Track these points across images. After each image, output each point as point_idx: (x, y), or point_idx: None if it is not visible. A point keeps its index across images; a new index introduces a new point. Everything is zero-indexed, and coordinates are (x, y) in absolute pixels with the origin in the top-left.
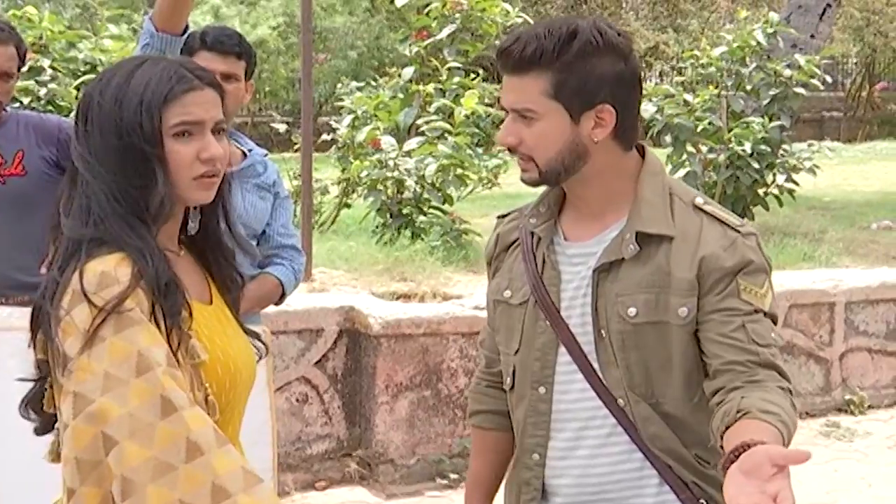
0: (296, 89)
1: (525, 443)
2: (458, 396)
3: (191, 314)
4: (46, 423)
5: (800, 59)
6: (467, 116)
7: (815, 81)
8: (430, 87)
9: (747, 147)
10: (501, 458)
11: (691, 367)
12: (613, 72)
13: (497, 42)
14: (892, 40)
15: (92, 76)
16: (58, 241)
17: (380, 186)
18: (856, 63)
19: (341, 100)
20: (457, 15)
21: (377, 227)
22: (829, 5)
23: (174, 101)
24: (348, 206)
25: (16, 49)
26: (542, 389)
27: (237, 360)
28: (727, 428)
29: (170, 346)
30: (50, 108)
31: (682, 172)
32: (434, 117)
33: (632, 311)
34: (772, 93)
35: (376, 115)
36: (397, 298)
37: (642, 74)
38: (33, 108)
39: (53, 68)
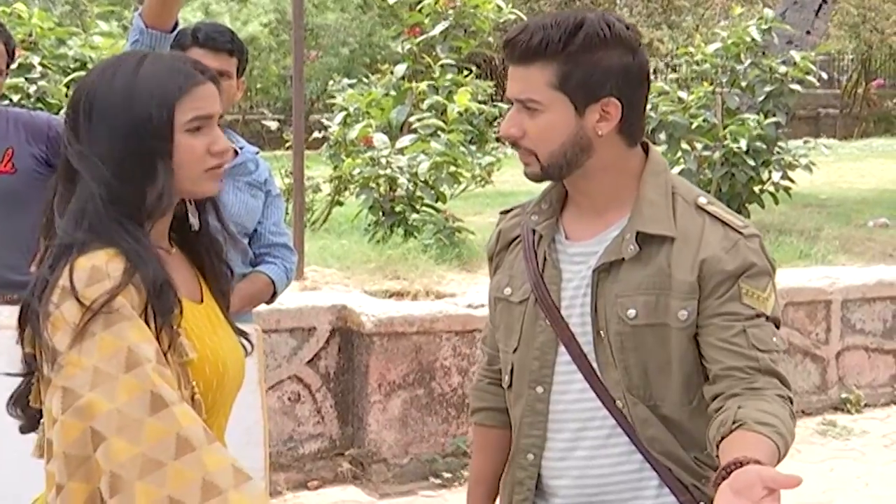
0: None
1: (521, 442)
2: (451, 395)
3: (181, 313)
4: (32, 420)
5: (795, 56)
6: (460, 114)
7: (810, 78)
8: (423, 85)
9: (742, 144)
10: (503, 455)
11: (690, 370)
12: (621, 65)
13: (490, 39)
14: (889, 37)
15: (82, 73)
16: (49, 239)
17: (372, 184)
18: (852, 60)
19: (333, 97)
20: (450, 11)
21: (370, 225)
22: (824, 1)
23: (186, 95)
24: (340, 203)
25: (4, 46)
26: (539, 389)
27: (226, 360)
28: (723, 438)
29: (159, 344)
30: (40, 105)
31: (676, 170)
32: (427, 114)
33: (631, 312)
34: (767, 90)
35: (368, 113)
36: (390, 297)
37: (651, 70)
38: (23, 106)
39: (43, 65)
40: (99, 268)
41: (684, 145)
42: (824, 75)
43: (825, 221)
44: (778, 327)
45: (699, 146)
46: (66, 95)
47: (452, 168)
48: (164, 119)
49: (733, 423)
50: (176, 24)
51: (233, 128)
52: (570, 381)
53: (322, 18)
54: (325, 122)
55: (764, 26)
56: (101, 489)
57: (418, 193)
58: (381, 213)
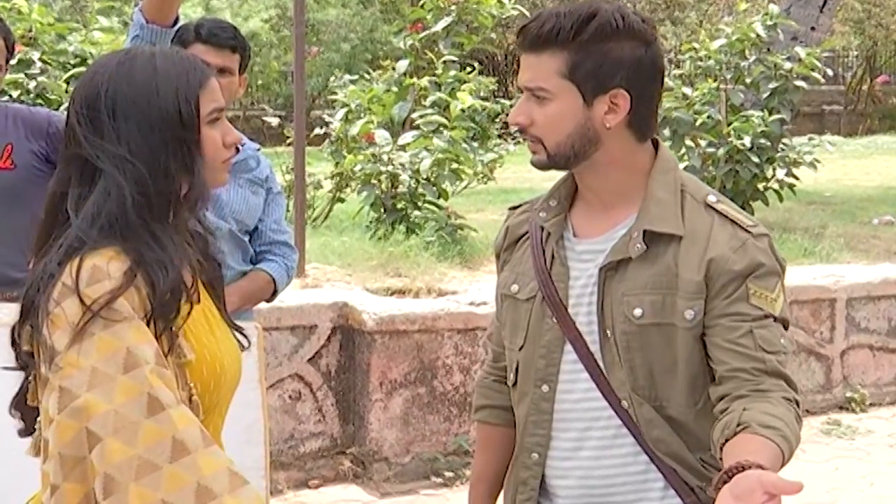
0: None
1: (525, 441)
2: (453, 393)
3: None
4: (30, 421)
5: (800, 52)
6: (463, 110)
7: (815, 75)
8: (425, 81)
9: (747, 141)
10: (506, 454)
11: (696, 371)
12: (632, 57)
13: (493, 35)
14: (894, 33)
15: (82, 69)
16: (55, 236)
17: (374, 181)
18: (856, 56)
19: (334, 93)
20: (452, 7)
21: (371, 222)
22: None
23: (204, 88)
24: (342, 200)
25: (4, 41)
26: (545, 388)
27: (223, 361)
28: (727, 440)
29: (159, 344)
30: (39, 101)
31: (680, 167)
32: (429, 111)
33: (637, 311)
34: (772, 86)
35: (370, 109)
36: (391, 294)
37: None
38: (23, 101)
39: (43, 61)
40: (99, 267)
41: (688, 142)
42: (829, 72)
43: (830, 219)
44: (787, 328)
45: (703, 143)
46: (66, 91)
47: (454, 165)
48: (192, 111)
49: (737, 425)
50: (177, 20)
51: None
52: (576, 381)
53: (323, 14)
54: (327, 119)
55: (769, 22)
56: (95, 490)
57: (420, 190)
58: (382, 210)
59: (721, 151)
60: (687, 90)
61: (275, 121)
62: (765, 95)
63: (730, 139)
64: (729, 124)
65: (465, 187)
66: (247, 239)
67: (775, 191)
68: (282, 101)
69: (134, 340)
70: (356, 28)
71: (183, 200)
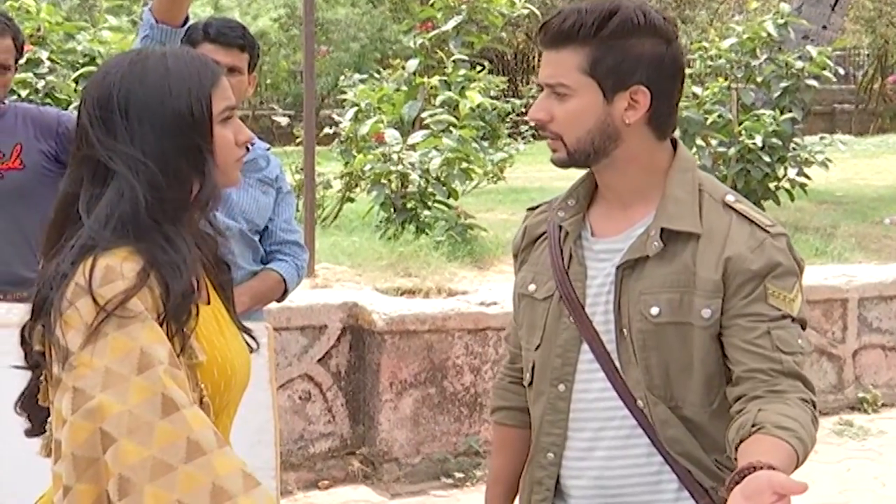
0: (298, 82)
1: (541, 441)
2: (463, 394)
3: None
4: (38, 422)
5: (811, 51)
6: (473, 109)
7: (826, 73)
8: (435, 80)
9: (758, 140)
10: (523, 455)
11: (712, 371)
12: (653, 54)
13: (503, 34)
14: None
15: (91, 68)
16: (66, 236)
17: (383, 180)
18: (868, 55)
19: (344, 92)
20: (462, 6)
21: (381, 222)
22: None
23: (216, 87)
24: (351, 200)
25: (13, 41)
26: (561, 387)
27: (234, 362)
28: (742, 441)
29: (172, 346)
30: (48, 100)
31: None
32: (439, 110)
33: (654, 310)
34: (783, 85)
35: (380, 108)
36: (401, 294)
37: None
38: (31, 101)
39: (52, 60)
40: (113, 267)
41: (699, 141)
42: (840, 70)
43: (841, 218)
44: (804, 328)
45: (714, 142)
46: (75, 91)
47: (464, 164)
48: (204, 111)
49: (752, 426)
50: (186, 20)
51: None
52: (592, 380)
53: (333, 13)
54: (336, 118)
55: (780, 21)
56: (110, 491)
57: (430, 190)
58: (392, 210)
59: (732, 151)
60: (697, 89)
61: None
62: (776, 94)
63: (741, 138)
64: (740, 123)
65: (476, 187)
66: (257, 239)
67: (787, 190)
68: (291, 101)
69: (147, 340)
70: (366, 27)
71: (194, 201)
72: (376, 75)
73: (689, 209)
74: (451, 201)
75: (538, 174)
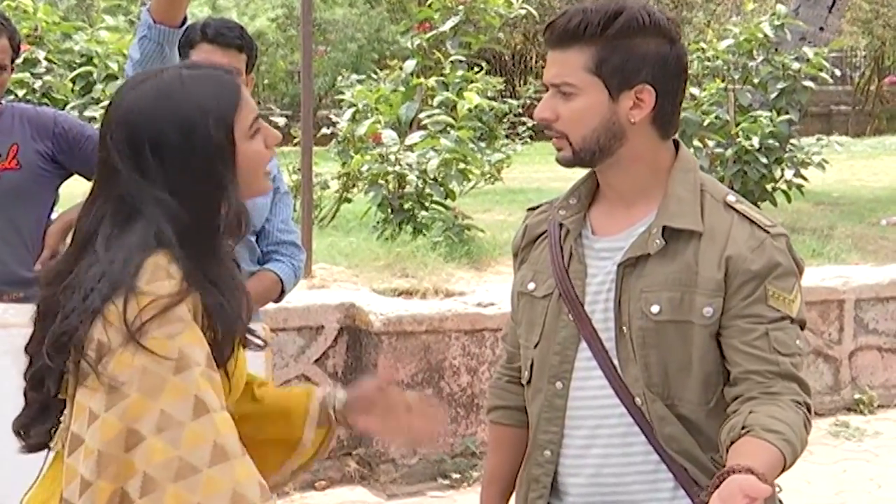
0: (295, 82)
1: (538, 439)
2: (460, 395)
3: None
4: (35, 413)
5: (808, 53)
6: (470, 110)
7: (823, 75)
8: (433, 81)
9: (755, 141)
10: (519, 454)
11: (710, 370)
12: (657, 53)
13: (500, 34)
14: None
15: (88, 68)
16: (80, 268)
17: (381, 181)
18: (864, 56)
19: (341, 93)
20: (460, 7)
21: (378, 223)
22: None
23: (240, 103)
24: (349, 200)
25: (9, 40)
26: (559, 384)
27: (242, 369)
28: (732, 443)
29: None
30: (45, 100)
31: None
32: (436, 111)
33: (655, 308)
34: (780, 86)
35: (377, 109)
36: (398, 295)
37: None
38: (28, 101)
39: (49, 60)
40: (160, 266)
41: (696, 142)
42: (837, 72)
43: (838, 220)
44: (803, 328)
45: (711, 143)
46: (72, 91)
47: (462, 165)
48: (230, 140)
49: (742, 428)
50: (184, 20)
51: None
52: (590, 378)
53: (330, 13)
54: (334, 119)
55: (777, 22)
56: (130, 489)
57: (427, 190)
58: (389, 211)
59: (729, 152)
60: (695, 90)
61: (282, 120)
62: (773, 96)
63: (738, 139)
64: (737, 125)
65: (473, 187)
66: (254, 239)
67: (783, 191)
68: (288, 101)
69: (187, 342)
70: (363, 27)
71: (224, 227)
72: (374, 76)
73: (690, 208)
74: (448, 202)
75: (535, 175)
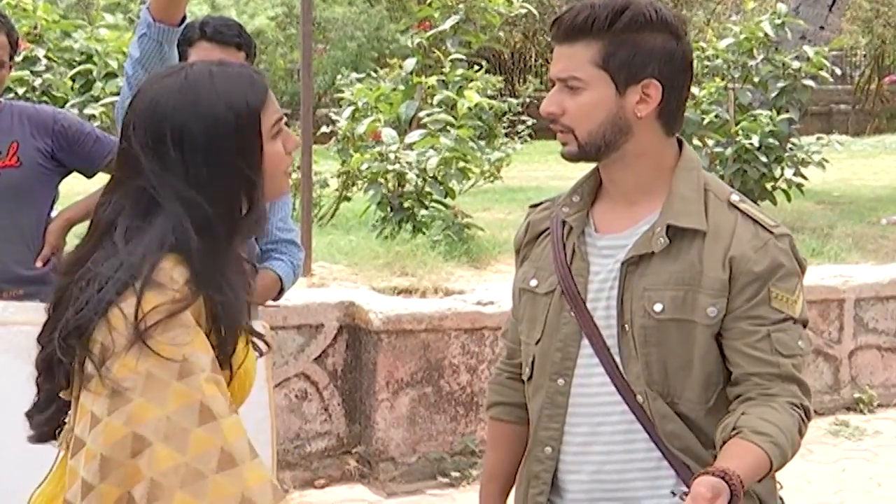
0: (294, 81)
1: (539, 435)
2: (459, 393)
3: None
4: (50, 424)
5: (808, 51)
6: (470, 109)
7: (823, 74)
8: (433, 79)
9: (755, 140)
10: (519, 451)
11: (711, 369)
12: (664, 48)
13: (500, 33)
14: None
15: (88, 66)
16: (97, 259)
17: (380, 179)
18: (864, 55)
19: (341, 91)
20: (460, 5)
21: (378, 221)
22: None
23: (266, 103)
24: (348, 199)
25: (7, 37)
26: (560, 381)
27: (250, 371)
28: (724, 442)
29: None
30: (45, 98)
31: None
32: (436, 109)
33: (657, 306)
34: (780, 85)
35: (377, 107)
36: (398, 293)
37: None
38: (28, 99)
39: (48, 58)
40: (165, 269)
41: (696, 141)
42: (837, 71)
43: (838, 219)
44: (805, 327)
45: (711, 142)
46: (72, 89)
47: (461, 164)
48: (255, 137)
49: (733, 429)
50: (184, 18)
51: None
52: (591, 375)
53: (330, 12)
54: (333, 117)
55: (777, 21)
56: (137, 495)
57: (427, 189)
58: (389, 209)
59: (729, 151)
60: (694, 89)
61: None
62: (773, 95)
63: (738, 139)
64: (737, 124)
65: (472, 186)
66: (253, 238)
67: (783, 190)
68: (288, 99)
69: (191, 347)
70: (363, 26)
71: (242, 225)
72: (373, 74)
73: (695, 207)
74: (447, 201)
75: (535, 174)
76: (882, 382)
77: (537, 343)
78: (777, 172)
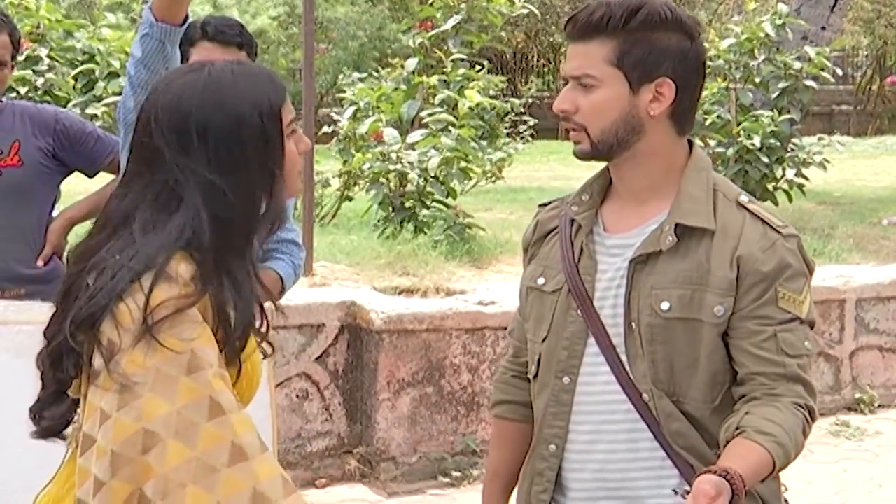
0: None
1: (543, 433)
2: (460, 393)
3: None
4: (58, 421)
5: (810, 52)
6: (471, 108)
7: (825, 74)
8: (434, 79)
9: (756, 141)
10: (522, 450)
11: (717, 368)
12: (678, 48)
13: (502, 33)
14: None
15: (90, 66)
16: (112, 249)
17: (382, 179)
18: (866, 56)
19: (343, 91)
20: (462, 5)
21: (379, 221)
22: None
23: (285, 101)
24: (350, 199)
25: (9, 37)
26: (566, 379)
27: (257, 369)
28: (727, 442)
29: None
30: (47, 98)
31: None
32: (438, 109)
33: (665, 305)
34: (781, 86)
35: (379, 107)
36: (399, 293)
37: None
38: (30, 98)
39: (51, 58)
40: (172, 265)
41: (697, 141)
42: (839, 71)
43: (839, 219)
44: (812, 328)
45: (712, 143)
46: (74, 88)
47: (463, 163)
48: (277, 132)
49: (736, 429)
50: (186, 18)
51: None
52: (597, 373)
53: (332, 11)
54: (335, 117)
55: (778, 21)
56: (148, 491)
57: (428, 189)
58: (390, 209)
59: (730, 151)
60: None
61: None
62: (774, 95)
63: (739, 139)
64: (738, 124)
65: (474, 186)
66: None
67: (785, 191)
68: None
69: (199, 343)
70: (365, 26)
71: (261, 222)
72: (375, 74)
73: (703, 206)
74: (449, 200)
75: (536, 174)
76: (883, 383)
77: (543, 341)
78: (778, 173)
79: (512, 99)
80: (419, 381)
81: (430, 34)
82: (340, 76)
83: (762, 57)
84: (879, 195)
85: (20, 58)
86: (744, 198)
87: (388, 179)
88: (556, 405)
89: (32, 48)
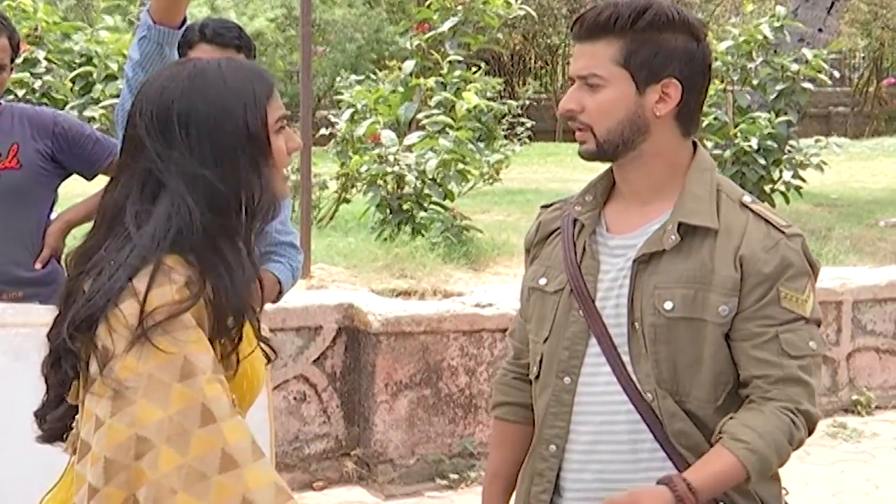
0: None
1: (544, 433)
2: (458, 395)
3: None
4: (58, 426)
5: (807, 54)
6: (469, 110)
7: (822, 76)
8: (431, 81)
9: (753, 143)
10: (522, 451)
11: (720, 368)
12: (685, 49)
13: (499, 35)
14: None
15: (88, 68)
16: (111, 247)
17: (379, 181)
18: (863, 58)
19: (340, 93)
20: (458, 7)
21: (377, 223)
22: None
23: (272, 97)
24: (347, 201)
25: (8, 40)
26: (567, 379)
27: (259, 371)
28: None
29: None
30: (45, 100)
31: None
32: (435, 111)
33: (668, 304)
34: (778, 88)
35: (376, 109)
36: (397, 296)
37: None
38: (28, 101)
39: (48, 60)
40: (165, 269)
41: None
42: (836, 73)
43: (836, 221)
44: (819, 326)
45: (709, 144)
46: (72, 90)
47: (460, 165)
48: (262, 124)
49: (718, 433)
50: (184, 20)
51: None
52: (598, 374)
53: (329, 14)
54: (333, 119)
55: (776, 24)
56: (141, 497)
57: (426, 191)
58: (388, 211)
59: (727, 153)
60: None
61: None
62: (771, 97)
63: (736, 141)
64: (735, 126)
65: (471, 188)
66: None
67: (782, 193)
68: (287, 101)
69: (192, 348)
70: (362, 28)
71: (254, 212)
72: (373, 76)
73: (707, 206)
74: (446, 203)
75: (534, 176)
76: (880, 384)
77: (545, 341)
78: (775, 175)
79: (509, 101)
80: (417, 384)
81: (427, 36)
82: (338, 78)
83: (759, 59)
84: (876, 197)
85: (18, 60)
86: (747, 198)
87: (385, 182)
88: (557, 405)
89: (30, 50)
